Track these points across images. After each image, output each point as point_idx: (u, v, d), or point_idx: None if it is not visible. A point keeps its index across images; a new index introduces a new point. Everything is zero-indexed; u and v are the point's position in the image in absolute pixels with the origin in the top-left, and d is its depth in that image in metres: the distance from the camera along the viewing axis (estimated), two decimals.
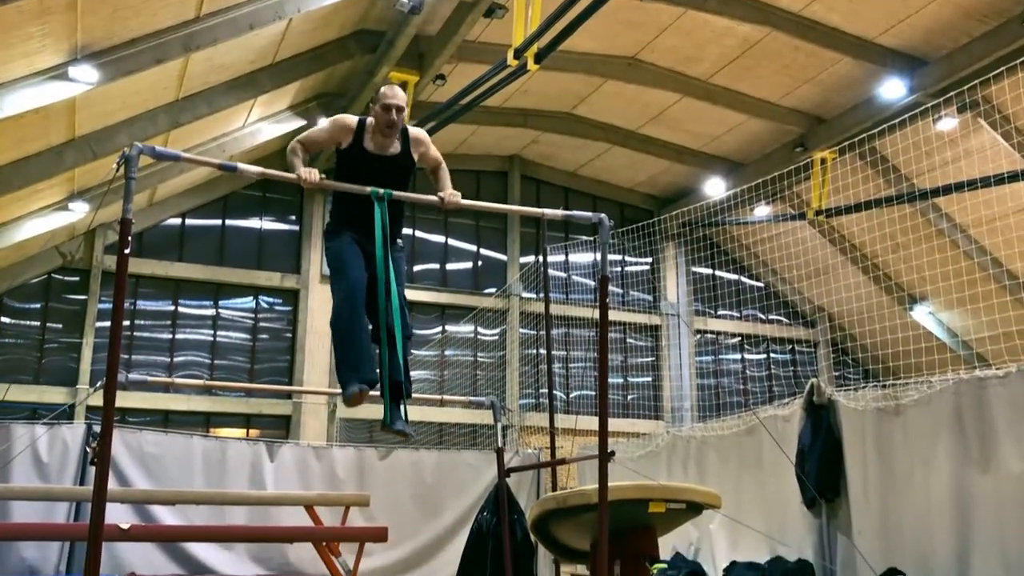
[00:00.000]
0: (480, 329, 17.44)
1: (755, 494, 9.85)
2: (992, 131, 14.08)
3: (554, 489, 10.20)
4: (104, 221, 14.52)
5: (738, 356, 19.63)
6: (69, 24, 8.80)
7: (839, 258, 17.82)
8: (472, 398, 7.62)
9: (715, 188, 16.75)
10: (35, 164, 10.94)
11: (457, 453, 13.52)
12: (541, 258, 11.33)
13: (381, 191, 4.63)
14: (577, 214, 5.34)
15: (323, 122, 5.02)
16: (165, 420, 14.82)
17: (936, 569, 7.59)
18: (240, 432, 15.42)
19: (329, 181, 4.79)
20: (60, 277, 14.98)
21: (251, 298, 16.27)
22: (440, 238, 17.60)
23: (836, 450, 8.85)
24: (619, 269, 18.59)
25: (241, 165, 4.64)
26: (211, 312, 15.95)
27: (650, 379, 18.58)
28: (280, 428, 15.67)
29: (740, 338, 19.57)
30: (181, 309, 15.74)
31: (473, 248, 17.94)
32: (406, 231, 17.02)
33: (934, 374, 8.26)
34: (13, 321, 14.70)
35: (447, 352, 17.25)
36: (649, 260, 19.00)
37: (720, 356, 19.41)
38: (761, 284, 19.53)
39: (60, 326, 14.90)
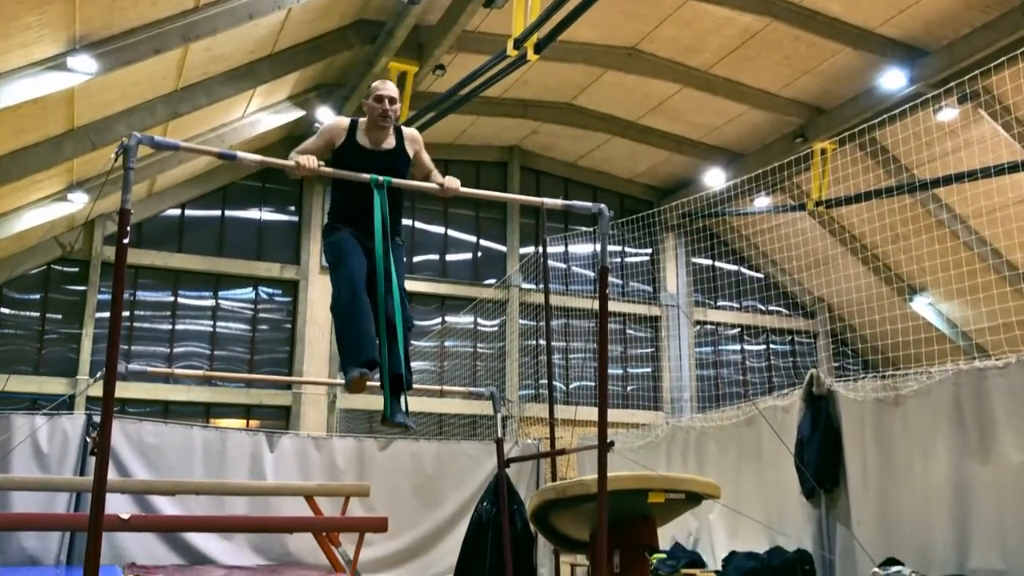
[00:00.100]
0: (480, 320, 17.44)
1: (754, 484, 9.87)
2: (992, 121, 14.05)
3: (554, 479, 10.22)
4: (103, 212, 14.51)
5: (738, 347, 19.64)
6: (67, 14, 8.78)
7: (839, 249, 17.80)
8: (472, 389, 7.62)
9: (715, 179, 16.73)
10: (34, 154, 10.92)
11: (457, 444, 13.54)
12: (541, 249, 11.34)
13: (380, 178, 4.62)
14: (577, 204, 5.33)
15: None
16: (165, 411, 14.83)
17: (935, 559, 7.61)
18: (240, 423, 15.43)
19: (327, 168, 4.76)
20: (59, 268, 14.97)
21: (251, 289, 16.26)
22: (440, 229, 17.58)
23: (835, 441, 8.87)
24: (619, 260, 18.58)
25: (240, 153, 4.63)
26: (211, 303, 15.95)
27: (650, 370, 18.59)
28: (280, 419, 15.69)
29: (740, 329, 19.58)
30: (181, 300, 15.74)
31: (473, 239, 17.93)
32: (405, 222, 17.01)
33: (933, 365, 8.28)
34: (13, 312, 14.70)
35: (447, 343, 17.25)
36: (649, 251, 18.99)
37: (720, 347, 19.41)
38: (761, 275, 19.53)
39: (60, 317, 14.90)
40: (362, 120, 4.91)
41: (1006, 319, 11.93)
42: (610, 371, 17.24)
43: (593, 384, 16.15)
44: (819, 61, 14.21)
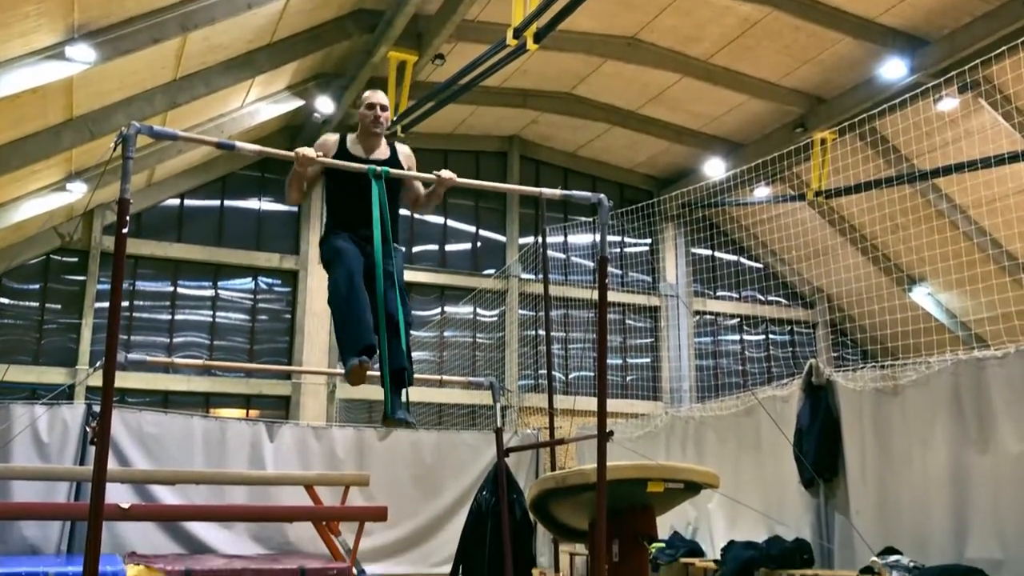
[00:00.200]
0: (479, 310, 17.45)
1: (753, 474, 9.89)
2: (993, 111, 14.03)
3: (553, 469, 10.25)
4: (102, 202, 14.50)
5: (737, 337, 19.65)
6: (65, 3, 8.75)
7: (838, 239, 17.80)
8: (471, 378, 7.63)
9: (715, 169, 16.72)
10: (32, 144, 10.90)
11: (456, 433, 13.56)
12: (540, 239, 11.32)
13: (379, 168, 4.60)
14: (576, 194, 5.32)
15: None
16: (165, 401, 14.85)
17: (933, 548, 7.63)
18: (240, 413, 15.45)
19: (326, 159, 4.75)
20: (59, 258, 14.97)
21: (250, 279, 16.27)
22: (439, 219, 17.57)
23: (834, 430, 8.88)
24: (618, 250, 18.59)
25: (239, 143, 4.62)
26: (210, 293, 15.95)
27: (649, 360, 18.61)
28: (280, 408, 15.71)
29: (739, 319, 19.60)
30: (180, 290, 15.74)
31: (472, 229, 17.92)
32: (404, 212, 16.97)
33: (932, 355, 8.28)
34: (12, 302, 14.70)
35: (446, 333, 17.26)
36: (648, 241, 18.99)
37: (719, 337, 19.43)
38: (760, 265, 19.53)
39: (59, 307, 14.90)
40: (351, 135, 4.92)
41: (1005, 309, 11.93)
42: (609, 361, 17.27)
43: (592, 374, 16.17)
44: (819, 50, 14.18)
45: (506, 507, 6.06)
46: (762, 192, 17.20)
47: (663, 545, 10.43)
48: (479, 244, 17.99)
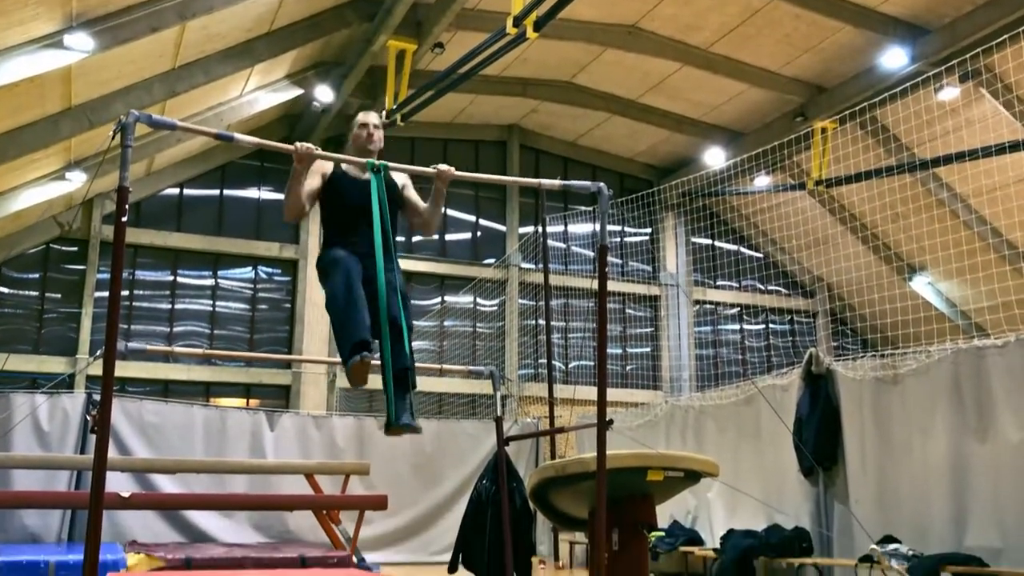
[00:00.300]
0: (479, 300, 17.45)
1: (753, 463, 9.91)
2: (993, 100, 14.00)
3: (553, 458, 10.26)
4: (101, 191, 14.48)
5: (737, 326, 19.66)
6: None
7: (838, 228, 17.79)
8: (471, 367, 7.63)
9: (715, 158, 16.69)
10: (31, 133, 10.88)
11: (456, 422, 13.58)
12: (540, 228, 11.31)
13: (377, 162, 4.57)
14: (576, 184, 5.30)
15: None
16: (165, 390, 14.86)
17: (932, 537, 7.65)
18: (240, 402, 15.46)
19: (325, 152, 4.72)
20: (58, 247, 14.96)
21: (250, 268, 16.26)
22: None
23: (834, 419, 8.89)
24: (618, 239, 18.58)
25: (238, 135, 4.58)
26: (210, 282, 15.95)
27: (649, 349, 18.63)
28: (280, 398, 15.72)
29: (739, 308, 19.59)
30: (180, 279, 15.73)
31: (472, 218, 17.91)
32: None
33: (932, 344, 8.28)
34: (12, 291, 14.70)
35: (446, 323, 17.27)
36: (648, 230, 18.97)
37: (719, 326, 19.43)
38: (760, 254, 19.52)
39: (59, 296, 14.90)
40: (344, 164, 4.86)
41: (1005, 298, 11.94)
42: (609, 351, 17.27)
43: (592, 364, 16.18)
44: (820, 39, 14.13)
45: (506, 496, 6.07)
46: (762, 181, 17.17)
47: (663, 534, 10.47)
48: (479, 233, 17.97)
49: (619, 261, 18.44)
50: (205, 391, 15.38)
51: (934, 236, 14.67)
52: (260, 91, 13.97)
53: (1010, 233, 16.23)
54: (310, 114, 15.12)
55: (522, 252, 17.69)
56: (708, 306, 19.30)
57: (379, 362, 4.39)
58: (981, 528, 7.32)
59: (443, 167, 4.76)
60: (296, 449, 12.04)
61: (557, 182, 5.35)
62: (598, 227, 5.06)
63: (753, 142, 16.12)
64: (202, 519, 11.31)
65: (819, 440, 8.88)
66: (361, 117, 4.86)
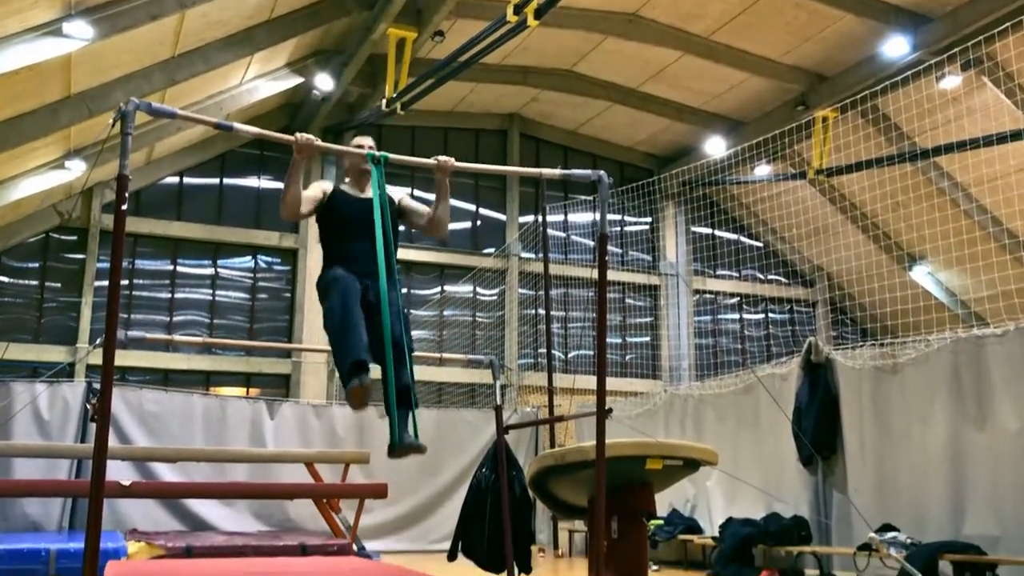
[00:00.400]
0: (479, 289, 17.45)
1: (752, 452, 9.94)
2: (995, 89, 13.96)
3: (552, 446, 10.28)
4: (101, 180, 14.45)
5: (736, 316, 19.66)
6: None
7: (839, 217, 17.78)
8: (471, 356, 7.64)
9: (715, 147, 16.66)
10: (30, 122, 10.85)
11: (456, 411, 13.61)
12: (540, 218, 11.30)
13: (378, 153, 4.55)
14: (576, 172, 5.29)
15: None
16: (165, 379, 14.86)
17: (931, 525, 7.68)
18: (240, 391, 15.48)
19: (324, 144, 4.71)
20: (58, 236, 14.94)
21: (250, 257, 16.25)
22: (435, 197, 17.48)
23: (833, 408, 8.92)
24: (618, 229, 18.56)
25: (237, 125, 4.57)
26: (210, 271, 15.94)
27: (648, 339, 18.63)
28: (280, 387, 15.74)
29: (739, 298, 19.60)
30: (180, 268, 15.72)
31: (472, 208, 17.88)
32: (405, 189, 16.91)
33: (932, 333, 8.29)
34: (11, 280, 14.70)
35: (446, 312, 17.27)
36: (648, 220, 18.96)
37: (718, 316, 19.44)
38: (760, 244, 19.51)
39: (59, 285, 14.90)
40: (342, 185, 4.85)
41: (1005, 287, 11.94)
42: (609, 340, 17.27)
43: (592, 353, 16.20)
44: (821, 28, 14.09)
45: (506, 484, 6.08)
46: (763, 170, 17.15)
47: (662, 522, 10.50)
48: (479, 223, 17.96)
49: (619, 250, 18.43)
50: (205, 380, 15.40)
51: (934, 225, 14.66)
52: (260, 79, 13.93)
53: (1010, 222, 16.22)
54: (310, 103, 15.09)
55: (522, 241, 17.68)
56: (708, 295, 19.30)
57: (379, 378, 4.34)
58: (979, 516, 7.34)
59: (443, 159, 4.74)
60: (296, 438, 12.07)
61: (557, 172, 5.35)
62: (598, 216, 5.06)
63: (754, 131, 16.09)
64: (202, 508, 11.34)
65: (818, 429, 8.90)
66: (356, 140, 4.87)
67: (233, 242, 15.94)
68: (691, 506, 10.92)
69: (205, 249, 15.88)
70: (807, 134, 15.36)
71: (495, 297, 17.57)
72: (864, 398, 8.63)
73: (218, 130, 4.71)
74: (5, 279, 14.62)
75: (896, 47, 13.42)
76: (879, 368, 8.51)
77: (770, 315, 19.79)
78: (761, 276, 19.64)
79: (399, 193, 4.88)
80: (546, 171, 5.34)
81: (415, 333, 16.06)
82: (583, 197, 17.86)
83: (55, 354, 14.12)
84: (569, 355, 17.57)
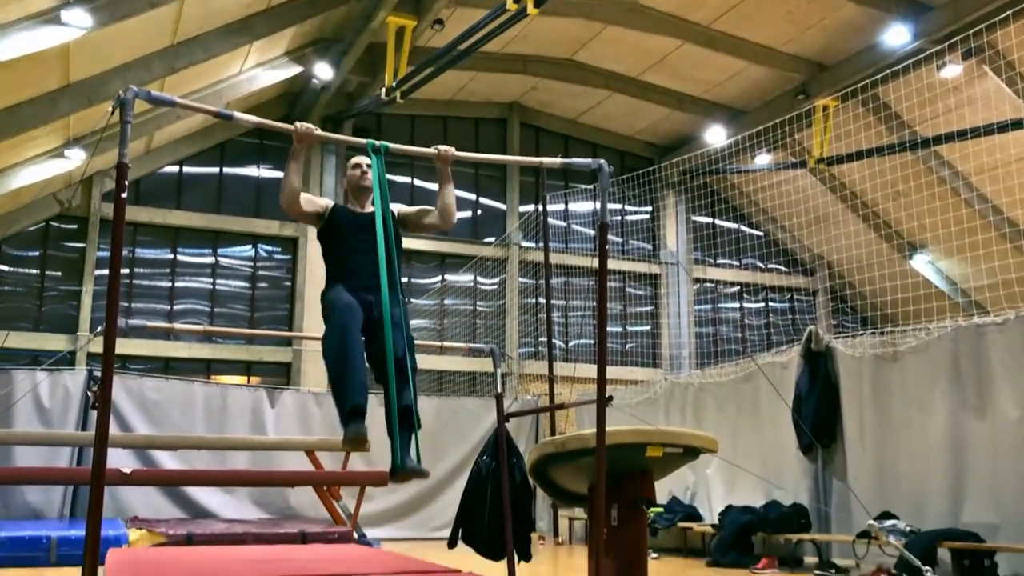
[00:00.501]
0: (479, 278, 17.45)
1: (752, 440, 9.96)
2: (996, 77, 13.93)
3: (552, 434, 10.31)
4: (101, 169, 14.44)
5: (737, 304, 19.67)
6: None
7: (839, 206, 17.77)
8: (471, 345, 7.65)
9: (716, 136, 16.63)
10: (29, 110, 10.83)
11: (457, 400, 13.63)
12: (541, 207, 11.31)
13: (377, 143, 4.54)
14: (576, 161, 5.28)
15: None
16: (166, 367, 14.89)
17: (930, 513, 7.71)
18: (240, 379, 15.50)
19: (325, 133, 4.70)
20: (58, 225, 14.94)
21: (250, 246, 16.24)
22: (437, 188, 17.46)
23: (833, 396, 8.93)
24: (619, 218, 18.55)
25: (237, 114, 4.56)
26: (210, 260, 15.94)
27: (648, 328, 18.65)
28: (280, 375, 15.76)
29: (739, 287, 19.60)
30: (180, 257, 15.72)
31: (472, 197, 17.87)
32: (404, 179, 16.94)
33: (932, 322, 8.30)
34: (12, 269, 14.70)
35: (446, 301, 17.28)
36: (649, 209, 18.95)
37: (719, 305, 19.45)
38: (760, 233, 19.50)
39: (59, 274, 14.90)
40: (341, 203, 4.83)
41: (1005, 276, 11.94)
42: (609, 329, 17.29)
43: (592, 342, 16.22)
44: (822, 16, 14.05)
45: (506, 472, 6.09)
46: (763, 159, 17.12)
47: (662, 510, 10.53)
48: (479, 212, 17.95)
49: (619, 239, 18.43)
50: (206, 368, 15.42)
51: (934, 214, 14.66)
52: (259, 68, 13.90)
53: (1011, 211, 16.21)
54: (309, 92, 15.06)
55: (522, 230, 17.68)
56: (708, 284, 19.30)
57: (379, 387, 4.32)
58: (978, 504, 7.37)
59: (443, 148, 4.73)
60: (297, 426, 12.09)
61: (558, 160, 5.34)
62: (598, 205, 5.06)
63: (754, 120, 16.06)
64: (203, 495, 11.38)
65: (818, 417, 8.93)
66: (354, 160, 4.84)
67: (233, 231, 15.94)
68: (691, 494, 10.95)
69: (205, 238, 15.88)
70: (808, 123, 15.33)
71: (496, 286, 17.58)
72: (864, 386, 8.64)
73: (218, 118, 4.70)
74: (5, 268, 14.62)
75: (897, 36, 13.38)
76: (879, 356, 8.52)
77: (770, 304, 19.80)
78: (761, 265, 19.64)
79: (396, 206, 4.82)
80: (546, 160, 5.33)
81: (415, 322, 16.14)
82: (583, 186, 17.84)
83: (56, 342, 14.13)
84: (570, 344, 17.59)
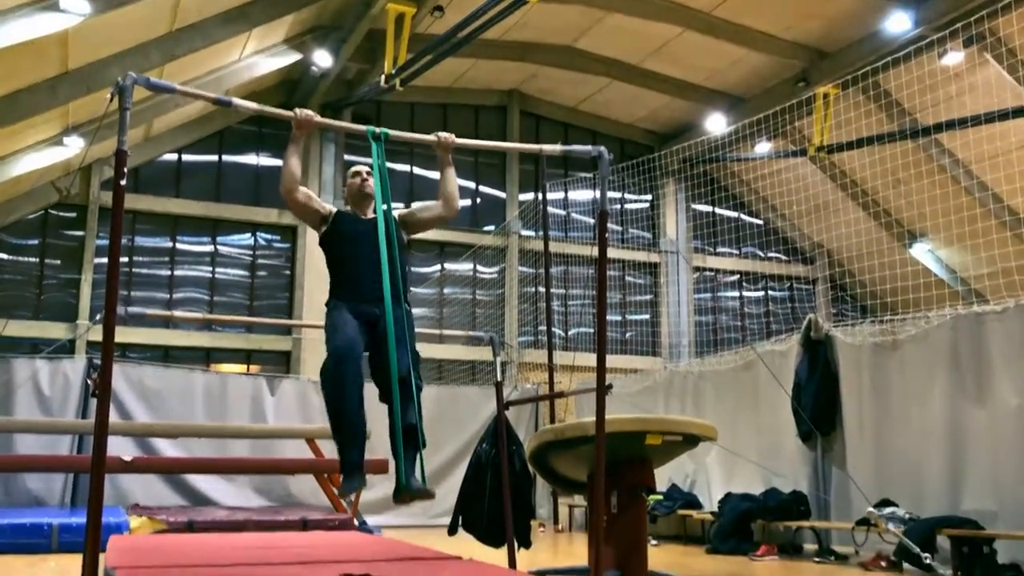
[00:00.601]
0: (479, 267, 17.44)
1: (751, 428, 9.97)
2: (997, 65, 13.89)
3: (552, 423, 10.32)
4: (100, 157, 14.41)
5: (736, 293, 19.68)
6: None
7: (839, 194, 17.74)
8: (471, 333, 7.66)
9: (716, 124, 16.60)
10: (28, 98, 10.80)
11: (457, 388, 13.63)
12: (540, 195, 11.29)
13: (378, 130, 4.52)
14: (576, 148, 5.26)
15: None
16: (165, 356, 14.90)
17: (929, 500, 7.72)
18: (240, 368, 15.51)
19: (324, 120, 4.68)
20: (57, 213, 14.92)
21: (249, 234, 16.23)
22: (438, 175, 17.41)
23: (832, 385, 8.94)
24: (618, 206, 18.52)
25: (237, 100, 4.54)
26: (209, 248, 15.93)
27: (648, 316, 18.65)
28: (280, 364, 15.77)
29: (739, 275, 19.60)
30: (179, 246, 15.71)
31: (472, 185, 17.84)
32: (404, 168, 16.92)
33: (931, 310, 8.30)
34: (11, 257, 14.69)
35: (446, 290, 17.27)
36: (649, 197, 18.93)
37: (718, 293, 19.45)
38: (760, 221, 19.49)
39: (58, 262, 14.89)
40: (344, 209, 4.80)
41: (1005, 264, 11.93)
42: (609, 317, 17.28)
43: (592, 331, 16.22)
44: (823, 3, 14.00)
45: (506, 459, 6.11)
46: (763, 147, 17.09)
47: (661, 497, 10.55)
48: (479, 200, 17.93)
49: (619, 228, 18.41)
50: (205, 357, 15.43)
51: (935, 202, 14.64)
52: (258, 56, 13.86)
53: (1011, 199, 16.18)
54: (308, 79, 15.02)
55: (522, 219, 17.65)
56: (708, 273, 19.30)
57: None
58: (977, 492, 7.38)
59: (443, 135, 4.71)
60: (297, 414, 12.10)
61: (558, 147, 5.32)
62: (598, 194, 5.04)
63: (754, 108, 16.02)
64: (204, 483, 11.40)
65: (817, 405, 8.93)
66: (354, 168, 4.81)
67: (232, 219, 15.92)
68: (690, 481, 10.97)
69: (204, 226, 15.86)
70: (808, 111, 15.29)
71: (495, 275, 17.57)
72: (863, 375, 8.65)
73: (217, 106, 4.68)
74: (4, 256, 14.62)
75: (898, 23, 13.34)
76: (879, 345, 8.52)
77: (770, 292, 19.80)
78: (761, 253, 19.63)
79: (396, 211, 4.77)
80: (546, 147, 5.31)
81: (416, 311, 16.11)
82: (583, 174, 17.81)
83: (55, 331, 14.13)
84: (569, 333, 17.60)
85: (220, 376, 12.35)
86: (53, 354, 11.29)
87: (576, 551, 9.40)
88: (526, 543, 6.53)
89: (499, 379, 6.49)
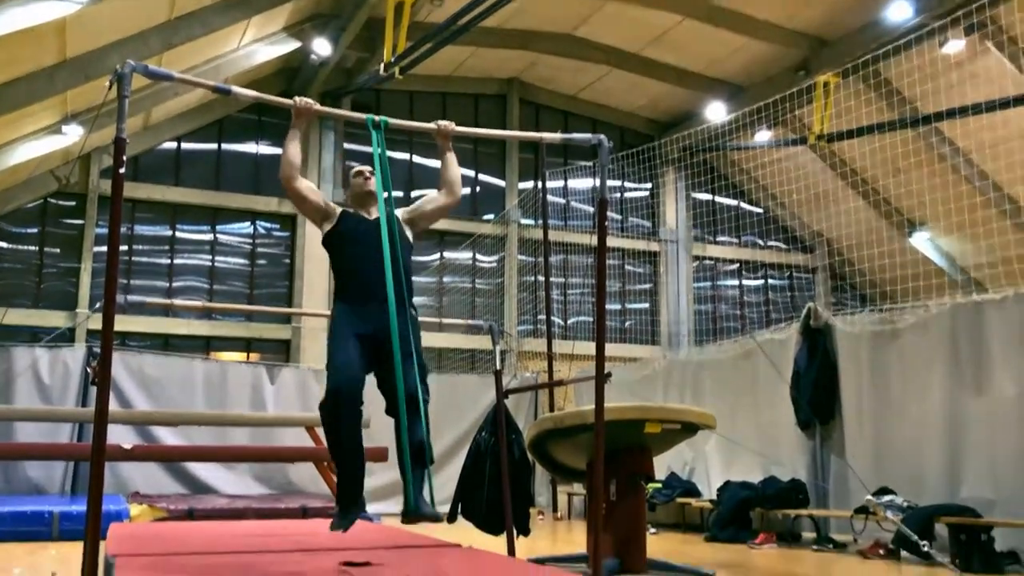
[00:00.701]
0: (479, 256, 17.43)
1: (750, 416, 9.99)
2: (998, 53, 13.86)
3: (551, 411, 10.34)
4: (99, 145, 14.39)
5: (736, 281, 19.68)
6: None
7: (839, 183, 17.72)
8: (470, 321, 7.66)
9: (716, 112, 16.56)
10: (26, 86, 10.77)
11: (456, 376, 13.65)
12: (540, 183, 11.26)
13: (377, 117, 4.51)
14: (576, 136, 5.26)
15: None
16: (165, 344, 14.90)
17: (927, 489, 7.74)
18: (240, 356, 15.52)
19: (324, 108, 4.66)
20: (56, 202, 14.90)
21: (249, 223, 16.21)
22: (438, 163, 17.29)
23: (832, 373, 8.95)
24: (618, 195, 18.50)
25: (236, 88, 4.52)
26: (209, 237, 15.92)
27: (647, 305, 18.66)
28: (280, 353, 15.78)
29: (738, 264, 19.60)
30: (179, 234, 15.70)
31: (471, 173, 17.82)
32: (403, 156, 16.89)
33: (931, 299, 8.31)
34: (10, 246, 14.68)
35: (445, 279, 17.27)
36: (648, 186, 18.91)
37: (718, 282, 19.45)
38: (760, 210, 19.47)
39: (58, 250, 14.88)
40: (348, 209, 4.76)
41: (1005, 253, 11.93)
42: (608, 306, 17.31)
43: (591, 320, 16.23)
44: None
45: (505, 447, 6.12)
46: (763, 136, 17.06)
47: (660, 485, 10.58)
48: (478, 189, 17.91)
49: (619, 217, 18.39)
50: (205, 346, 15.43)
51: (934, 191, 14.63)
52: (258, 44, 13.82)
53: (1011, 188, 16.16)
54: (308, 67, 14.98)
55: (521, 207, 17.64)
56: (707, 261, 19.30)
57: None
58: (975, 480, 7.40)
59: (443, 123, 4.71)
60: (297, 402, 12.12)
61: (558, 136, 5.31)
62: (598, 182, 5.03)
63: (754, 96, 15.97)
64: (204, 471, 11.43)
65: (816, 394, 8.95)
66: (356, 168, 4.79)
67: (232, 208, 15.90)
68: (689, 469, 10.99)
69: (204, 215, 15.85)
70: (808, 99, 15.24)
71: (495, 263, 17.56)
72: (863, 363, 8.66)
73: (216, 94, 4.66)
74: (4, 244, 14.61)
75: (899, 11, 13.30)
76: (878, 333, 8.53)
77: (769, 281, 19.80)
78: (761, 242, 19.63)
79: (402, 212, 4.74)
80: (546, 135, 5.31)
81: (416, 300, 16.09)
82: (583, 163, 17.78)
83: (55, 319, 14.14)
84: (568, 321, 17.61)
85: (220, 364, 12.36)
86: (53, 342, 11.30)
87: (575, 539, 9.43)
88: (525, 531, 6.55)
89: (498, 367, 6.49)
